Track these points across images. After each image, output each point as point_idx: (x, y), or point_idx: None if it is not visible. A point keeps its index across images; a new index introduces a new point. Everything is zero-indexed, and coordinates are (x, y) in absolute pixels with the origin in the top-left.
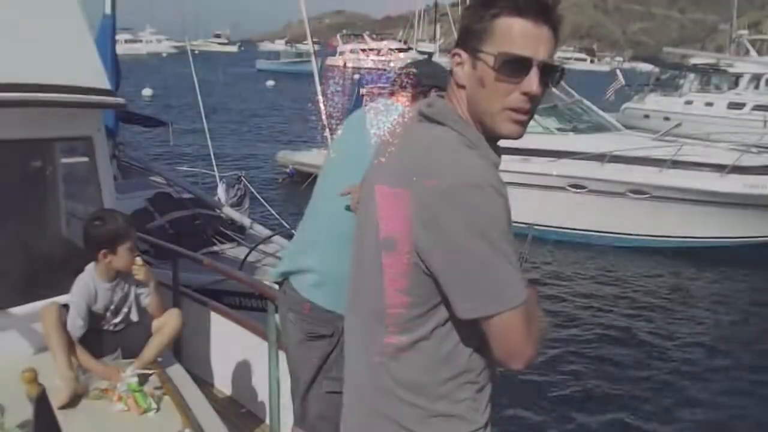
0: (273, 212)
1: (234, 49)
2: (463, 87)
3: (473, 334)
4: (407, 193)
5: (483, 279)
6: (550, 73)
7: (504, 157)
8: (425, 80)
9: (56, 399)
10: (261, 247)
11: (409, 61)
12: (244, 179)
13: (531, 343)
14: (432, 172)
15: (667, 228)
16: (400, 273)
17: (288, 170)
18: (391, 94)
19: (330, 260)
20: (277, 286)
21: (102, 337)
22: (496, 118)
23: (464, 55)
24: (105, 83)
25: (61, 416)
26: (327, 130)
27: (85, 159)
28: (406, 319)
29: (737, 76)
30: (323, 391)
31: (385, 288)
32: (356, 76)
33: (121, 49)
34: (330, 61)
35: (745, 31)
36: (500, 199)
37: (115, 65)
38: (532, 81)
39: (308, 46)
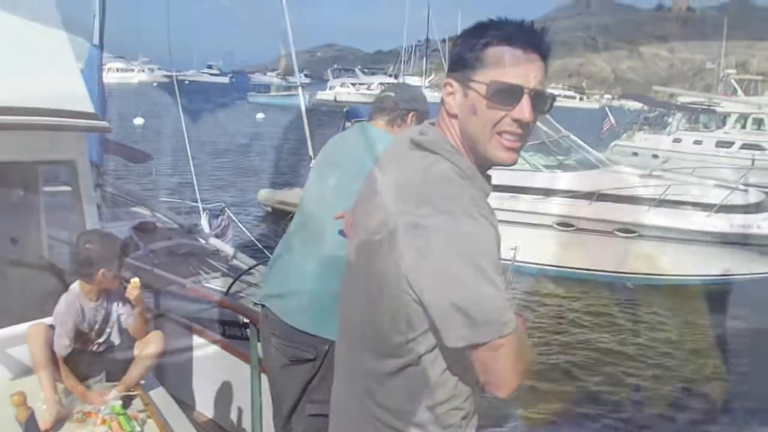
0: (258, 244)
1: (225, 80)
2: (454, 116)
3: (460, 361)
4: (400, 221)
5: (474, 307)
6: (541, 100)
7: (491, 194)
8: (403, 104)
9: (41, 422)
10: (246, 277)
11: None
12: (228, 210)
13: (518, 371)
14: (425, 202)
15: (655, 266)
16: (389, 300)
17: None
18: (370, 118)
19: (313, 284)
20: (259, 308)
21: (86, 359)
22: (488, 144)
23: (456, 84)
24: (89, 106)
25: None
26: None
27: (68, 182)
28: (395, 345)
29: (725, 115)
30: (306, 415)
31: (374, 314)
32: (345, 110)
33: (112, 77)
34: (321, 95)
35: (732, 71)
36: (492, 229)
37: (102, 94)
38: (524, 108)
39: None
